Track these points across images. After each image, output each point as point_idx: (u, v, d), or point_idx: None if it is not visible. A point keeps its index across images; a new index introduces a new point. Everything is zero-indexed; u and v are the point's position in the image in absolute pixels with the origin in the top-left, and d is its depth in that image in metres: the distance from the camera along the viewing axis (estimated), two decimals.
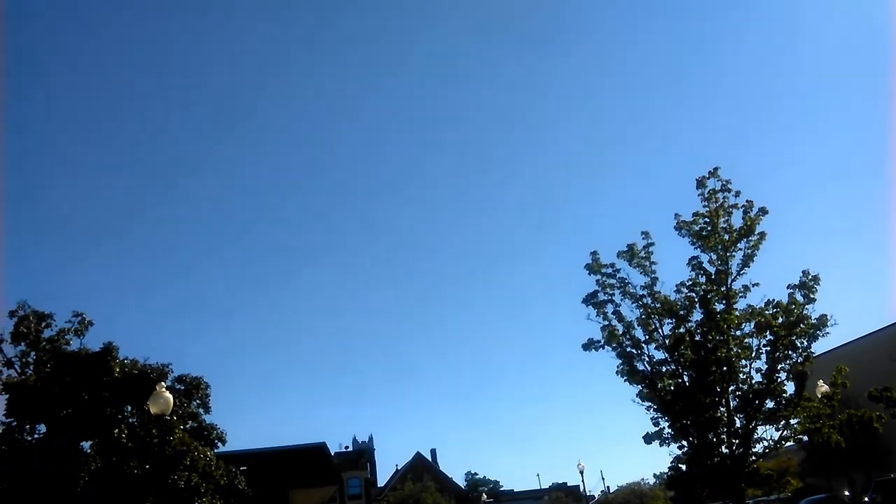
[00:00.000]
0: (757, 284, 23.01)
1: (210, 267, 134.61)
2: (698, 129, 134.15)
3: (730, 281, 23.04)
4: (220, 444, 27.08)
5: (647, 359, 23.53)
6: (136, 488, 22.37)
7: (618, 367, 23.69)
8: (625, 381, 23.67)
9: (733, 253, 23.10)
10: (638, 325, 23.62)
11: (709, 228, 23.39)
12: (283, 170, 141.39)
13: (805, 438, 25.46)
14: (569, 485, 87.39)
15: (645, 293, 23.71)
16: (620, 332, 23.56)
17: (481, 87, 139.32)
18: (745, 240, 23.01)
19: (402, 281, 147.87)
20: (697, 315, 23.17)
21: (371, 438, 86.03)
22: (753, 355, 22.60)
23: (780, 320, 22.34)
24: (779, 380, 22.29)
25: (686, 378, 22.92)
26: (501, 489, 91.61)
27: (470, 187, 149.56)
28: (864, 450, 44.73)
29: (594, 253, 24.45)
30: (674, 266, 24.93)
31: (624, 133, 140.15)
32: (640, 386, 23.50)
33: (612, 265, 24.14)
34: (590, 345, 23.91)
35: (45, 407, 23.17)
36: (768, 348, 22.42)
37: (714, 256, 23.29)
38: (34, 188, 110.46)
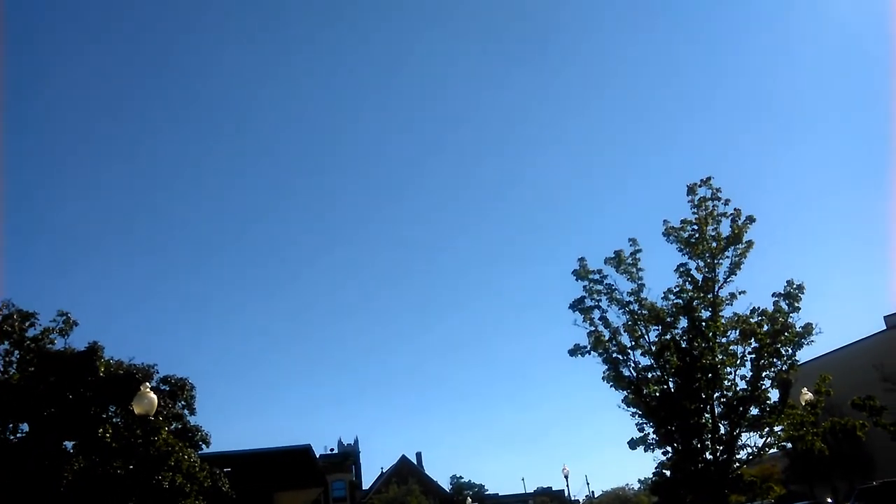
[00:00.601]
0: (743, 292, 23.16)
1: (200, 270, 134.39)
2: (688, 139, 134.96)
3: (716, 288, 23.13)
4: (204, 445, 26.97)
5: (632, 365, 23.62)
6: (120, 489, 22.24)
7: (604, 372, 23.79)
8: (610, 386, 23.76)
9: (720, 261, 23.20)
10: (624, 332, 23.71)
11: (697, 236, 23.48)
12: (278, 174, 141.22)
13: (789, 445, 25.62)
14: (554, 489, 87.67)
15: (632, 299, 23.80)
16: (607, 337, 23.63)
17: (476, 97, 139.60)
18: (733, 248, 23.12)
19: (391, 286, 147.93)
20: (684, 322, 23.26)
21: (356, 441, 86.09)
22: (738, 362, 22.72)
23: (766, 328, 22.47)
24: (763, 387, 22.43)
25: (671, 384, 23.01)
26: (486, 493, 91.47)
27: (460, 195, 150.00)
28: (847, 457, 45.10)
29: (581, 259, 24.54)
30: (661, 273, 25.09)
31: (616, 141, 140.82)
32: (625, 392, 23.57)
33: (600, 271, 24.22)
34: (576, 350, 23.98)
35: (29, 406, 23.01)
36: (753, 356, 22.55)
37: (701, 264, 23.38)
38: (27, 189, 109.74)
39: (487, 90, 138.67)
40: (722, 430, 22.52)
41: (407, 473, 79.53)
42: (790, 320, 22.42)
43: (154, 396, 19.96)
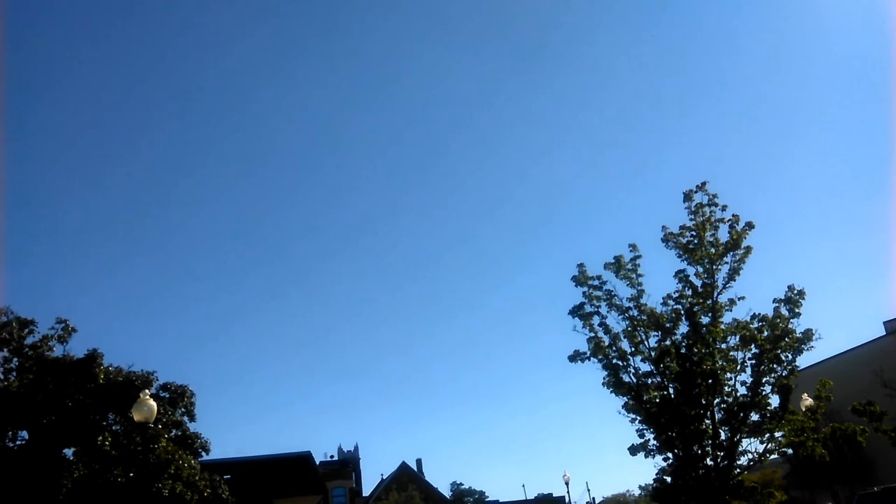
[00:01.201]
0: (742, 298, 23.14)
1: (200, 276, 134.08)
2: (687, 143, 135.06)
3: (716, 294, 23.12)
4: (204, 452, 27.00)
5: (632, 371, 23.59)
6: (119, 497, 22.22)
7: (604, 378, 23.75)
8: (610, 392, 23.70)
9: (719, 266, 23.21)
10: (624, 337, 23.69)
11: (695, 242, 23.51)
12: (280, 178, 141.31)
13: (790, 451, 25.59)
14: (554, 495, 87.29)
15: (631, 305, 23.80)
16: (606, 343, 23.62)
17: (475, 103, 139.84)
18: (732, 253, 23.13)
19: (391, 292, 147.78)
20: (683, 328, 23.27)
21: (356, 448, 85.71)
22: (738, 368, 22.68)
23: (766, 334, 22.47)
24: (763, 393, 22.41)
25: (671, 390, 22.98)
26: (487, 499, 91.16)
27: (459, 201, 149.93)
28: (848, 463, 45.07)
29: (581, 265, 24.55)
30: (660, 278, 25.09)
31: (615, 146, 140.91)
32: (625, 398, 23.53)
33: (599, 277, 24.22)
34: (576, 356, 23.96)
35: (28, 413, 23.02)
36: (753, 361, 22.53)
37: (700, 269, 23.39)
38: (25, 192, 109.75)
39: (487, 95, 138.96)
40: (722, 436, 22.49)
41: (407, 480, 79.31)
42: (790, 326, 22.43)
43: (154, 404, 19.96)
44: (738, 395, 22.52)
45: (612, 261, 24.13)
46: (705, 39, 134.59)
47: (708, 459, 22.49)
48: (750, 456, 22.79)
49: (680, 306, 23.40)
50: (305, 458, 53.97)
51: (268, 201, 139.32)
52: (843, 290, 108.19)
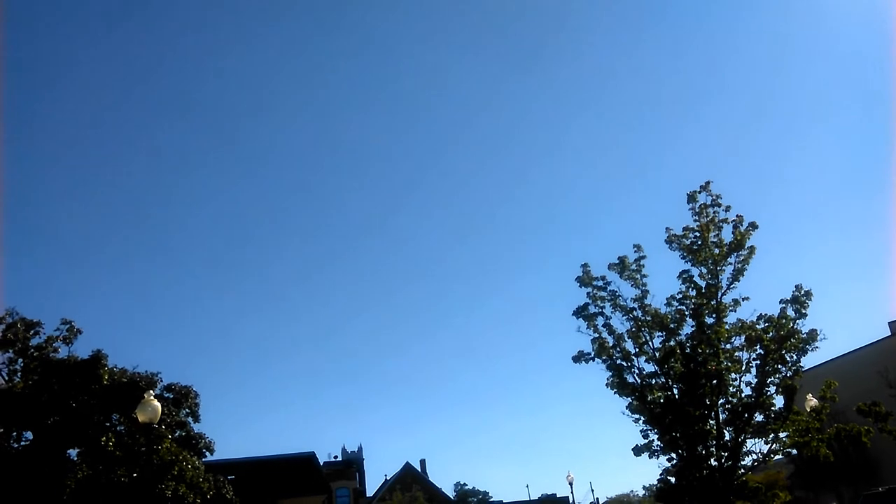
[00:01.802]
0: (747, 298, 23.11)
1: (204, 277, 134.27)
2: (691, 144, 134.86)
3: (720, 295, 23.09)
4: (208, 453, 27.05)
5: (637, 371, 23.56)
6: (123, 497, 22.25)
7: (608, 379, 23.71)
8: (615, 393, 23.66)
9: (723, 267, 23.17)
10: (628, 338, 23.65)
11: (699, 243, 23.47)
12: (281, 180, 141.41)
13: (794, 452, 25.54)
14: (558, 496, 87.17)
15: (635, 306, 23.75)
16: (611, 344, 23.58)
17: (476, 104, 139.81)
18: (736, 254, 23.10)
19: (395, 293, 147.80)
20: (688, 328, 23.23)
21: (360, 448, 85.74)
22: (743, 369, 22.64)
23: (771, 334, 22.42)
24: (768, 393, 22.36)
25: (676, 391, 22.94)
26: (491, 499, 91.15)
27: (462, 202, 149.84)
28: (852, 464, 44.97)
29: (585, 265, 24.52)
30: (664, 279, 25.02)
31: (618, 146, 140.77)
32: (629, 398, 23.50)
33: (603, 278, 24.18)
34: (580, 357, 23.93)
35: (32, 414, 23.07)
36: (758, 362, 22.49)
37: (704, 270, 23.35)
38: (28, 194, 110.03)
39: (488, 96, 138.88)
40: (727, 437, 22.46)
41: (411, 480, 79.32)
42: (796, 326, 22.38)
43: (158, 404, 19.96)
44: (743, 395, 22.49)
45: (617, 261, 24.09)
46: (707, 40, 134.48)
47: (712, 460, 22.46)
48: (754, 456, 22.78)
49: (684, 307, 23.36)
50: (309, 458, 54.12)
51: (268, 201, 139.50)
52: (847, 290, 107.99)
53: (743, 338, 22.71)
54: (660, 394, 23.24)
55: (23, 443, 23.69)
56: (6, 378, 24.40)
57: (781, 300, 22.87)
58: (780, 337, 22.27)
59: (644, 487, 73.37)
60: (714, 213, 23.71)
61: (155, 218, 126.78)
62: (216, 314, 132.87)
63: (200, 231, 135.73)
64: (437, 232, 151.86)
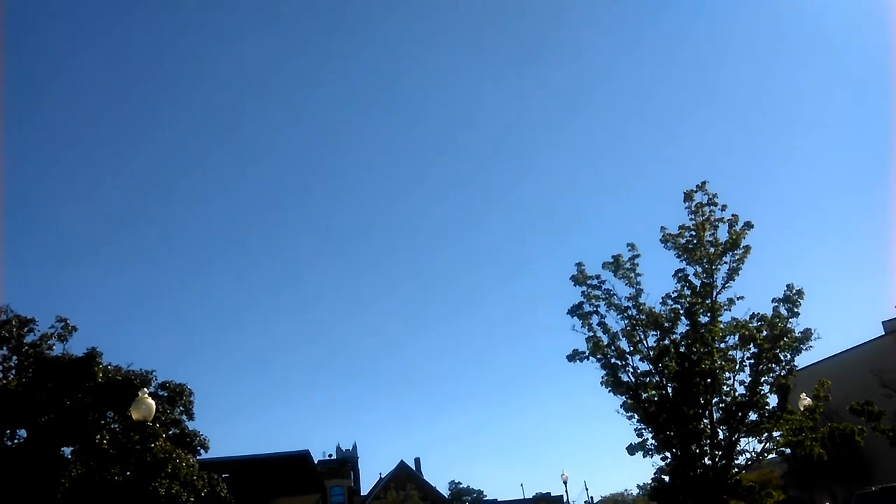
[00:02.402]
0: (742, 297, 23.13)
1: (199, 275, 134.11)
2: (687, 143, 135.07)
3: (715, 294, 23.12)
4: (202, 450, 27.02)
5: (631, 370, 23.59)
6: (117, 495, 22.22)
7: (602, 378, 23.75)
8: (609, 392, 23.70)
9: (718, 266, 23.20)
10: (623, 337, 23.68)
11: (694, 241, 23.50)
12: (278, 178, 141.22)
13: (788, 451, 25.63)
14: (552, 495, 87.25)
15: (630, 305, 23.78)
16: (605, 343, 23.62)
17: (472, 103, 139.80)
18: (731, 253, 23.13)
19: (390, 291, 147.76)
20: (682, 327, 23.27)
21: (355, 447, 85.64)
22: (737, 368, 22.68)
23: (765, 333, 22.47)
24: (762, 392, 22.39)
25: (670, 389, 22.98)
26: (485, 498, 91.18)
27: (457, 201, 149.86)
28: (846, 463, 45.06)
29: (579, 264, 24.56)
30: (659, 278, 25.07)
31: (614, 145, 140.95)
32: (624, 397, 23.53)
33: (598, 276, 24.21)
34: (574, 356, 23.96)
35: (26, 412, 22.99)
36: (752, 361, 22.52)
37: (699, 269, 23.39)
38: (24, 192, 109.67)
39: (487, 95, 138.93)
40: (721, 436, 22.49)
41: (405, 479, 79.26)
42: (789, 325, 22.43)
43: (152, 402, 19.94)
44: (737, 394, 22.52)
45: (611, 260, 24.11)
46: (704, 39, 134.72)
47: (706, 459, 22.50)
48: (748, 455, 22.79)
49: (679, 306, 23.40)
50: (304, 457, 54.01)
51: (267, 201, 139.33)
52: (841, 289, 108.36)
53: (737, 337, 22.76)
54: (654, 392, 23.27)
55: (16, 441, 23.62)
56: (0, 375, 24.32)
57: (774, 299, 22.93)
58: (774, 336, 22.31)
59: (638, 486, 73.75)
60: (710, 212, 23.74)
61: (150, 217, 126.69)
62: (211, 313, 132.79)
63: (195, 230, 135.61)
64: (432, 231, 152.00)
